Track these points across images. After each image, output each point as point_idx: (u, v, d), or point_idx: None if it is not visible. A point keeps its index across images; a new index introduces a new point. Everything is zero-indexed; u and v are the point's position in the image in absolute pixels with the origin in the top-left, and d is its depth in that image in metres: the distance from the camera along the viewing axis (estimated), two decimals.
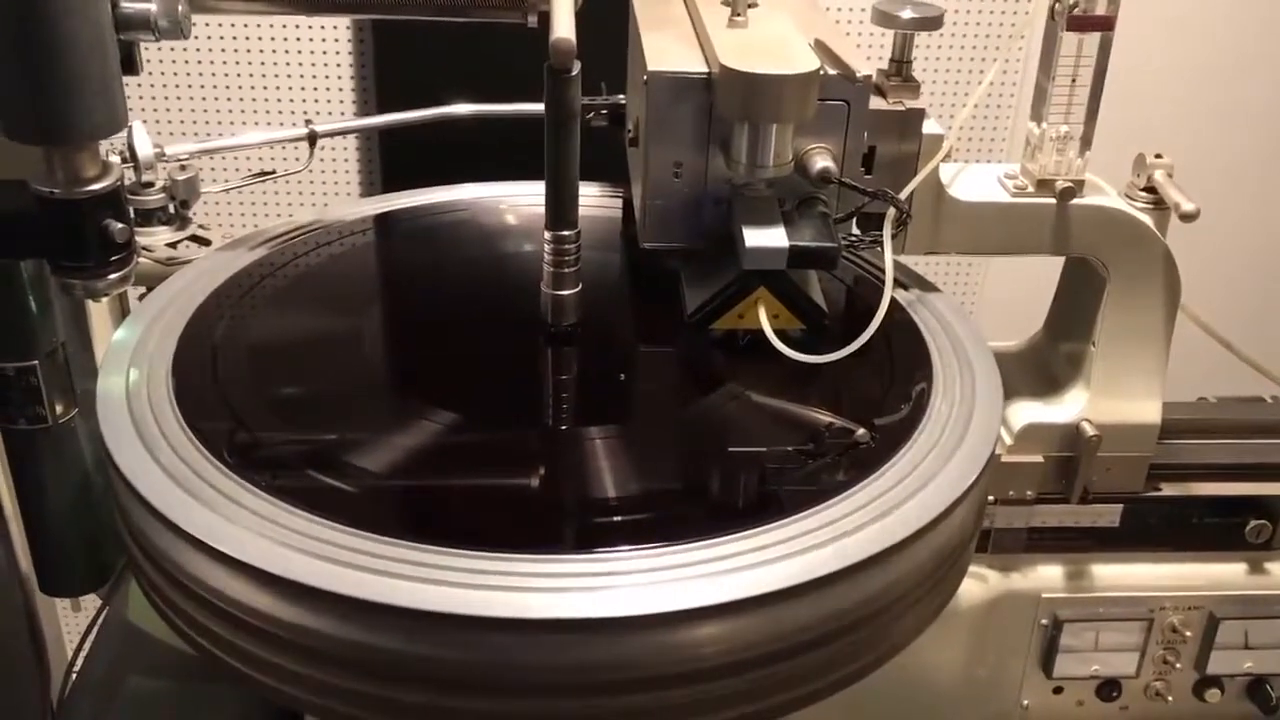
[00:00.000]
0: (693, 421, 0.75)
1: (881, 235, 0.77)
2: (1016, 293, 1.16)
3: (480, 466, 0.71)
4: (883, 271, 0.76)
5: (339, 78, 1.45)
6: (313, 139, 0.95)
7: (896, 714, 0.90)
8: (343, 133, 0.97)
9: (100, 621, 0.97)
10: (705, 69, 0.74)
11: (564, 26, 0.71)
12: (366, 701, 0.61)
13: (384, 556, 0.59)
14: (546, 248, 0.75)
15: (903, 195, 0.77)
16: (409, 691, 0.60)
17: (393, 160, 1.47)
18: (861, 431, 0.72)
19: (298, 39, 1.42)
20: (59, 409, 0.81)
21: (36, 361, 0.78)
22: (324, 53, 1.43)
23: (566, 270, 0.75)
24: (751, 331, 0.76)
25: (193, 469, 0.65)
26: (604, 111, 0.99)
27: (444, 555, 0.59)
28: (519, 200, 0.99)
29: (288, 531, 0.61)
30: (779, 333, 0.75)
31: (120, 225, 0.70)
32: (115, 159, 0.76)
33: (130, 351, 0.74)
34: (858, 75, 0.72)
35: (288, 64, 1.43)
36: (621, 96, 0.99)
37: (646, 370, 0.81)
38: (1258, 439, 0.92)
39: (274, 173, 0.96)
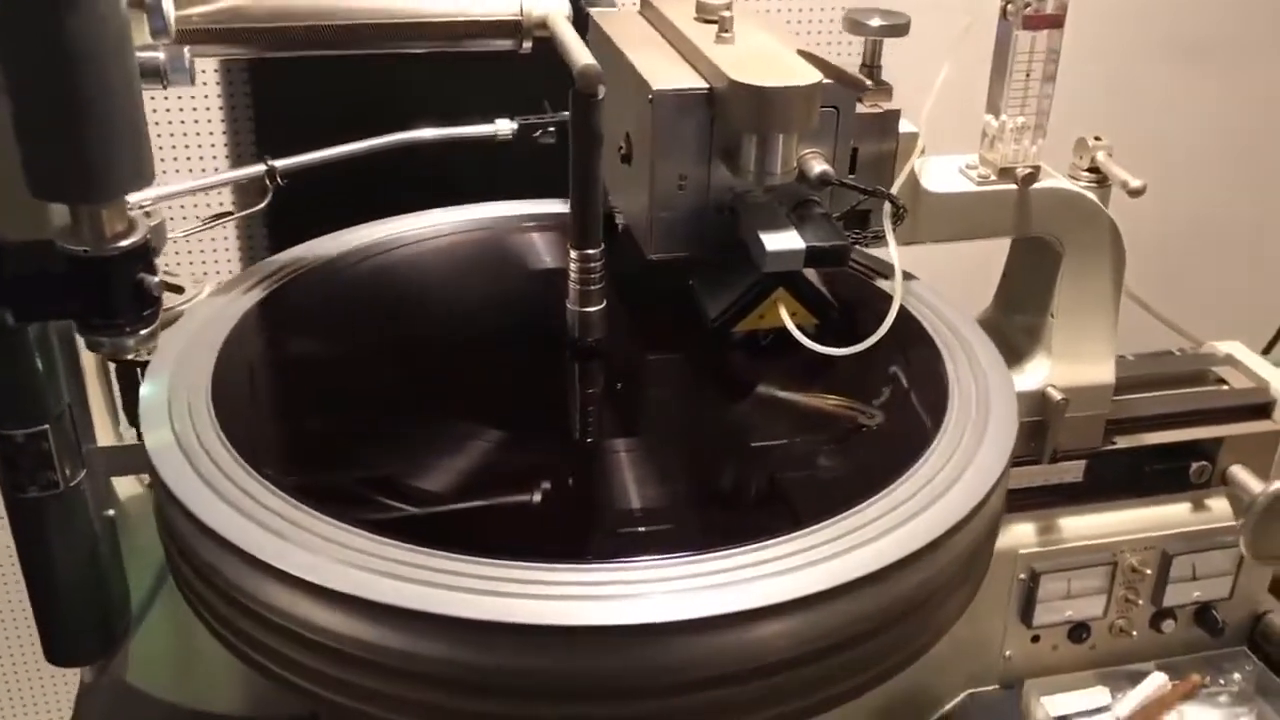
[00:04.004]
0: (732, 431, 0.78)
1: (878, 231, 0.82)
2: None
3: (528, 481, 0.73)
4: (862, 265, 0.81)
5: (209, 121, 1.40)
6: (272, 176, 0.94)
7: None
8: (302, 167, 0.96)
9: (91, 688, 0.94)
10: (704, 85, 0.78)
11: (584, 54, 0.73)
12: (401, 706, 0.63)
13: (428, 568, 0.61)
14: (572, 266, 0.77)
15: (894, 191, 0.82)
16: (426, 693, 0.62)
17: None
18: (897, 424, 0.77)
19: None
20: (68, 472, 0.78)
21: (47, 426, 0.76)
22: (192, 96, 1.39)
23: (593, 287, 0.78)
24: (772, 331, 0.80)
25: (264, 505, 0.66)
26: (551, 130, 1.02)
27: (485, 566, 0.62)
28: (507, 223, 1.02)
29: (341, 548, 0.63)
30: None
31: (156, 279, 0.69)
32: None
33: (165, 404, 0.74)
34: (866, 83, 0.76)
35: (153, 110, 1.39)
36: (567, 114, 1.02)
37: (681, 381, 0.84)
38: (1187, 389, 1.01)
39: (232, 213, 0.95)
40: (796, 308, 0.79)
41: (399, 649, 0.61)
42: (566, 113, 1.02)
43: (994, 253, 0.97)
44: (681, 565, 0.63)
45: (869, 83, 0.77)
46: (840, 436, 0.77)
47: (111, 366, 0.87)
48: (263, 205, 0.95)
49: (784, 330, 0.79)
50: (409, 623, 0.60)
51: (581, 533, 0.70)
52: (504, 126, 1.00)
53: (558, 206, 1.03)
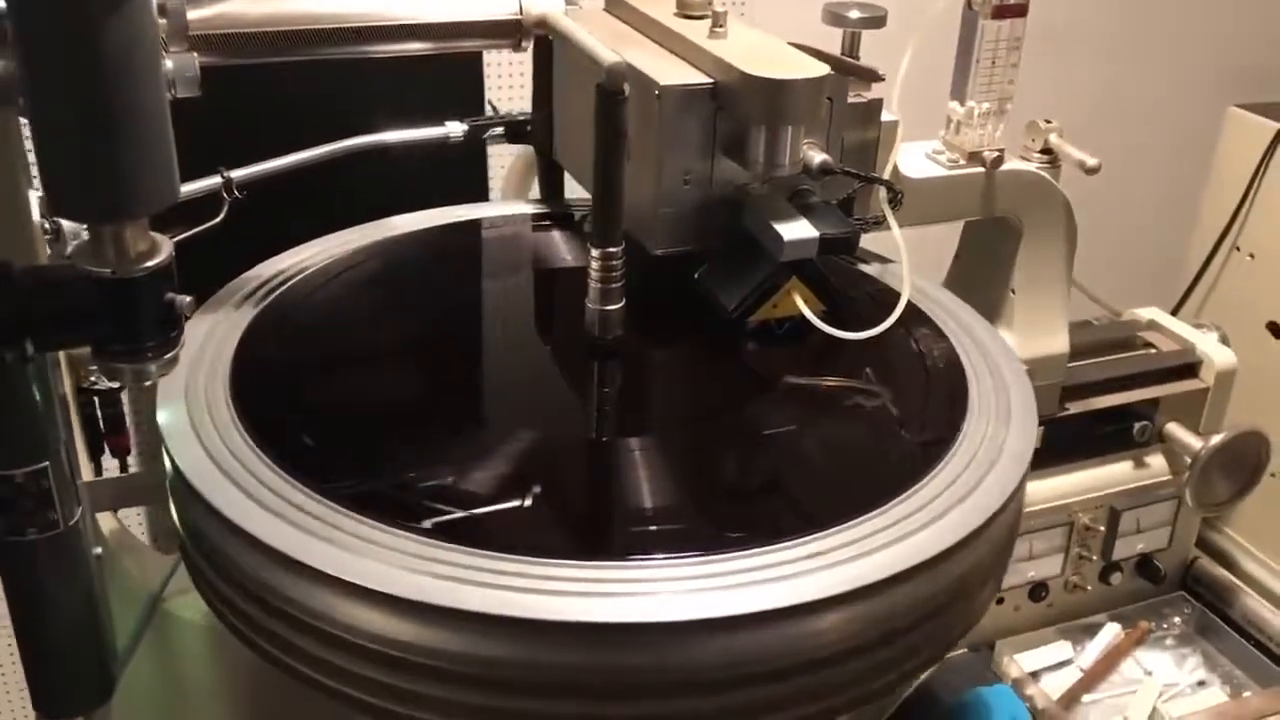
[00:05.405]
0: (769, 425, 0.78)
1: (876, 217, 0.84)
2: None
3: (571, 479, 0.73)
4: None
5: None
6: (229, 187, 0.90)
7: None
8: (259, 177, 0.92)
9: None
10: (707, 79, 0.78)
11: (605, 51, 0.73)
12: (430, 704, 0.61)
13: (477, 568, 0.60)
14: (593, 264, 0.76)
15: (886, 177, 0.84)
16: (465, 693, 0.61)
17: None
18: (924, 412, 0.79)
19: None
20: (66, 511, 0.73)
21: (48, 463, 0.71)
22: None
23: (613, 286, 0.77)
24: (786, 319, 0.81)
25: (308, 512, 0.64)
26: (500, 130, 1.01)
27: (513, 563, 0.61)
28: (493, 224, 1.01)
29: (390, 551, 0.61)
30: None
31: (188, 299, 0.65)
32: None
33: (188, 428, 0.70)
34: (878, 73, 0.78)
35: None
36: (520, 113, 1.01)
37: (705, 376, 0.83)
38: (1122, 354, 1.08)
39: (193, 228, 0.90)
40: (808, 295, 0.81)
41: (463, 652, 0.59)
42: (519, 113, 1.03)
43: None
44: (748, 558, 0.62)
45: (880, 72, 0.79)
46: (868, 427, 0.78)
47: None
48: (219, 219, 0.91)
49: (798, 318, 0.80)
50: (485, 627, 0.58)
51: (622, 531, 0.70)
52: (455, 128, 0.98)
53: (525, 208, 1.03)
